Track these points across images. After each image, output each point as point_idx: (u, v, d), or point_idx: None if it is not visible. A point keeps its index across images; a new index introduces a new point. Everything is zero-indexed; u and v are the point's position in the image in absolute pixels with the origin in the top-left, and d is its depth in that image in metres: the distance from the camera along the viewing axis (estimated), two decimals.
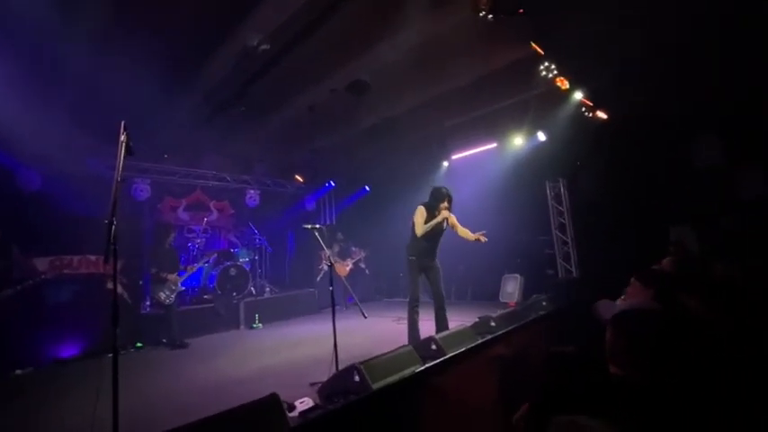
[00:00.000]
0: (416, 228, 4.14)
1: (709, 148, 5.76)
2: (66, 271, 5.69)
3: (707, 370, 1.36)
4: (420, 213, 4.18)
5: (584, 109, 5.91)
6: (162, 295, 5.48)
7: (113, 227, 2.04)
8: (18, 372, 4.56)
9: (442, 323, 4.23)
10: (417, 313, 4.19)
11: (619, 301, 2.84)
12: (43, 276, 5.05)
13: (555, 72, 5.03)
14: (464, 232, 4.40)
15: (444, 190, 4.28)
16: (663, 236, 5.80)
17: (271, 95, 5.39)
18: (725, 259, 3.94)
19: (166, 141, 6.86)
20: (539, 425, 0.95)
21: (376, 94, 5.48)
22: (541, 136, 6.86)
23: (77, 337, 5.14)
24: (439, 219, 4.13)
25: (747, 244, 4.93)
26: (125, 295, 5.50)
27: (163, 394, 3.64)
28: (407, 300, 4.29)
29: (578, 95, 5.66)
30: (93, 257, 5.83)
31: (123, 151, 2.20)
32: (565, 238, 7.12)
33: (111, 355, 2.13)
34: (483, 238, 4.26)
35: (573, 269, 6.99)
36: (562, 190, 7.20)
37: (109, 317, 2.14)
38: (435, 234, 4.27)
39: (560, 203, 7.21)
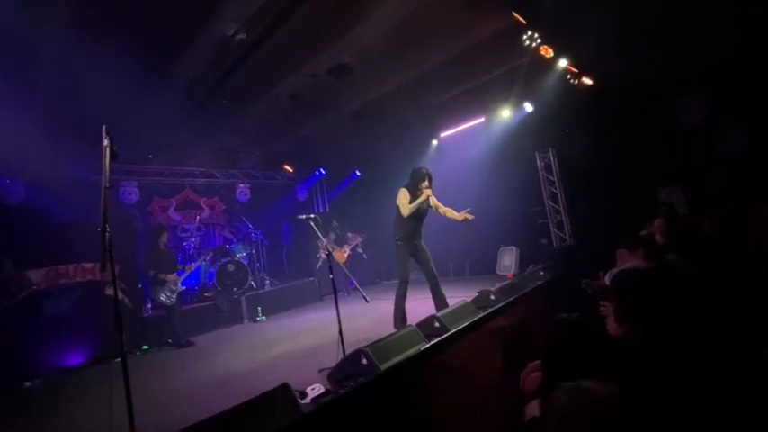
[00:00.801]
0: (402, 209, 4.18)
1: (693, 106, 5.79)
2: (62, 281, 5.64)
3: (698, 325, 1.41)
4: (403, 195, 4.23)
5: (569, 76, 5.88)
6: (163, 296, 5.48)
7: (107, 234, 2.02)
8: (27, 384, 4.57)
9: (440, 300, 4.29)
10: (404, 295, 4.25)
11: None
12: (35, 288, 5.00)
13: (538, 41, 4.97)
14: (449, 212, 4.44)
15: (424, 170, 4.30)
16: (653, 197, 5.90)
17: (251, 85, 5.27)
18: (712, 216, 4.03)
19: (150, 141, 6.72)
20: (546, 388, 0.98)
21: (358, 76, 5.38)
22: (528, 107, 6.84)
23: (82, 345, 5.15)
24: (423, 197, 4.17)
25: (733, 199, 5.03)
26: (125, 300, 5.49)
27: (174, 393, 3.69)
28: (398, 283, 4.32)
29: (563, 63, 5.62)
30: (88, 265, 5.78)
31: (108, 156, 2.15)
32: (557, 207, 7.20)
33: (118, 359, 2.15)
34: (470, 216, 4.31)
35: (567, 237, 7.09)
36: (552, 159, 7.23)
37: (111, 322, 2.14)
38: (420, 215, 4.32)
39: (551, 173, 7.26)
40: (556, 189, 7.21)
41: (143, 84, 4.96)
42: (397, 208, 4.26)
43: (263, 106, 6.10)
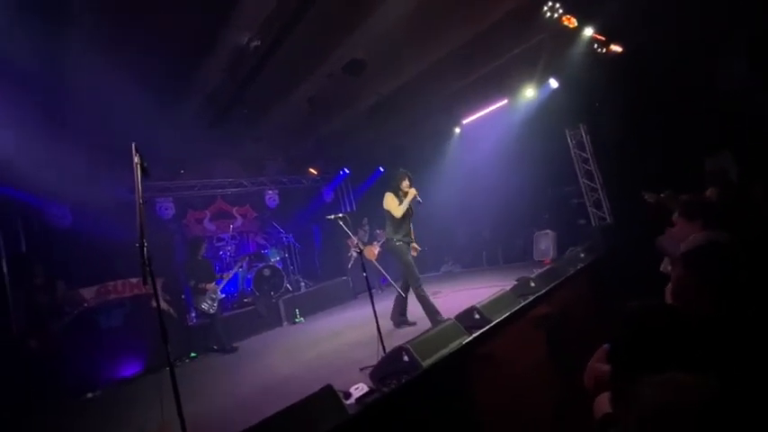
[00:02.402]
0: (394, 211, 4.37)
1: (735, 68, 5.29)
2: (112, 296, 5.96)
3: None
4: (391, 198, 4.42)
5: (596, 45, 5.53)
6: (204, 305, 5.67)
7: (145, 248, 2.07)
8: (89, 395, 4.86)
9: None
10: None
11: (666, 236, 2.69)
12: (86, 305, 5.29)
13: (560, 11, 4.70)
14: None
15: (402, 171, 4.51)
16: (697, 167, 5.47)
17: (270, 91, 5.33)
18: (764, 181, 3.69)
19: (179, 157, 6.97)
20: (619, 381, 0.89)
21: (374, 70, 5.31)
22: (554, 83, 6.52)
23: (136, 356, 5.42)
24: (410, 197, 4.36)
25: None
26: (170, 311, 5.72)
27: (223, 397, 3.79)
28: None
29: (588, 32, 5.29)
30: (134, 280, 6.06)
31: (139, 172, 2.21)
32: (593, 184, 6.85)
33: (168, 368, 2.21)
34: (415, 250, 4.61)
35: (606, 215, 6.74)
36: (584, 135, 6.87)
37: (158, 333, 2.21)
38: (409, 214, 4.51)
39: (583, 150, 6.90)
40: (590, 166, 6.85)
41: (167, 102, 5.14)
42: (388, 212, 4.43)
43: (282, 111, 6.16)
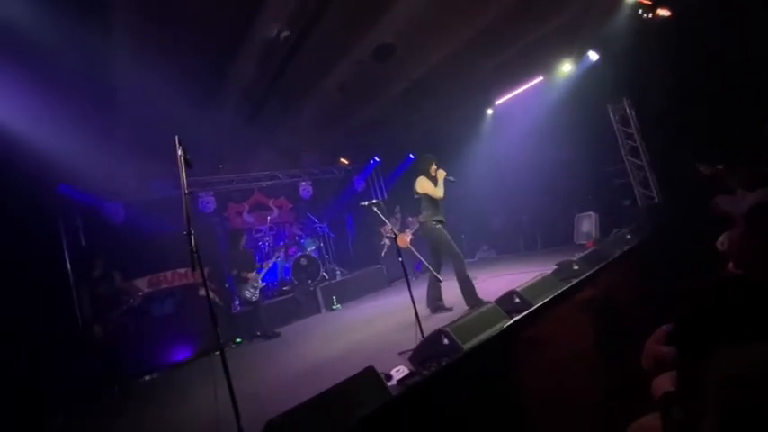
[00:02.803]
0: (433, 193, 4.40)
1: None
2: (163, 286, 6.36)
3: None
4: (426, 182, 4.45)
5: (641, 10, 5.13)
6: (247, 293, 5.93)
7: (192, 236, 2.17)
8: (147, 377, 5.27)
9: (467, 284, 4.31)
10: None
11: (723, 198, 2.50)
12: (140, 294, 5.66)
13: None
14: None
15: (427, 155, 4.58)
16: (754, 137, 4.98)
17: (301, 82, 5.38)
18: None
19: (218, 152, 7.23)
20: (686, 358, 0.83)
21: (403, 54, 5.23)
22: (593, 55, 6.14)
23: (187, 341, 5.78)
24: (442, 178, 4.40)
25: None
26: (216, 298, 6.04)
27: (268, 381, 3.96)
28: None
29: None
30: (182, 270, 6.43)
31: (183, 164, 2.31)
32: (639, 162, 6.43)
33: (218, 352, 2.34)
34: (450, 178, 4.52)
35: (654, 194, 6.33)
36: (627, 110, 6.43)
37: (207, 319, 2.33)
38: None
39: (628, 125, 6.48)
40: (635, 142, 6.43)
41: (205, 99, 5.34)
42: (425, 196, 4.43)
43: (314, 101, 6.21)
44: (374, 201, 3.88)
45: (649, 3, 5.08)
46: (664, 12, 5.21)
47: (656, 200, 6.24)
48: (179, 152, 2.30)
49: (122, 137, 5.66)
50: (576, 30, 5.46)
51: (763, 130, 5.09)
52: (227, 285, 6.50)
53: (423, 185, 4.44)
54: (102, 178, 6.00)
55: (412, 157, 9.77)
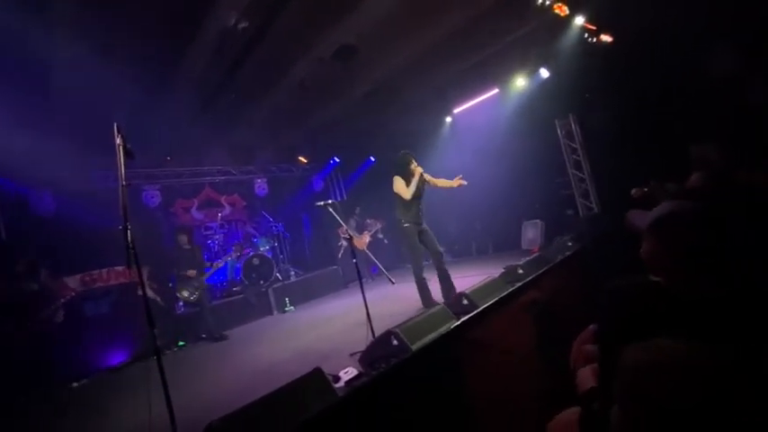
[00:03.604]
0: (403, 194, 4.32)
1: (721, 57, 5.37)
2: (98, 284, 5.88)
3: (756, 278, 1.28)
4: (399, 181, 4.37)
5: (587, 35, 5.54)
6: (186, 293, 5.61)
7: (129, 231, 2.03)
8: (75, 384, 4.80)
9: (446, 279, 4.38)
10: (424, 276, 4.34)
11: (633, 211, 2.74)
12: (73, 294, 5.20)
13: None
14: (443, 182, 4.60)
15: (407, 153, 4.49)
16: (684, 155, 5.55)
17: (259, 76, 5.22)
18: (747, 167, 3.77)
19: (166, 143, 6.82)
20: (606, 356, 0.90)
21: (364, 56, 5.25)
22: (544, 72, 6.53)
23: (123, 345, 5.37)
24: (417, 177, 4.34)
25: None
26: (158, 299, 5.67)
27: (212, 385, 3.78)
28: (411, 266, 4.43)
29: (579, 21, 5.29)
30: (119, 268, 5.99)
31: (122, 154, 2.15)
32: (581, 175, 6.92)
33: (156, 356, 2.19)
34: (463, 182, 4.51)
35: (593, 205, 6.83)
36: (573, 126, 6.90)
37: (144, 321, 2.18)
38: (419, 195, 4.45)
39: (573, 140, 6.95)
40: (579, 156, 6.91)
41: (154, 87, 5.02)
42: (397, 195, 4.38)
43: (272, 97, 6.06)
44: (329, 201, 3.82)
45: (594, 29, 5.49)
46: (606, 37, 5.67)
47: (596, 210, 6.73)
48: (117, 141, 2.14)
49: (59, 123, 5.17)
50: (530, 47, 5.78)
51: (690, 151, 5.70)
52: (170, 285, 6.12)
53: (396, 185, 4.40)
54: (30, 166, 5.43)
55: (372, 159, 9.82)
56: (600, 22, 5.50)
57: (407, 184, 4.35)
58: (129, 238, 2.02)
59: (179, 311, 6.25)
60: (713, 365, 0.57)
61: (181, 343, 5.71)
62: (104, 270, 5.93)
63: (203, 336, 5.69)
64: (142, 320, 2.45)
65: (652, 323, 0.85)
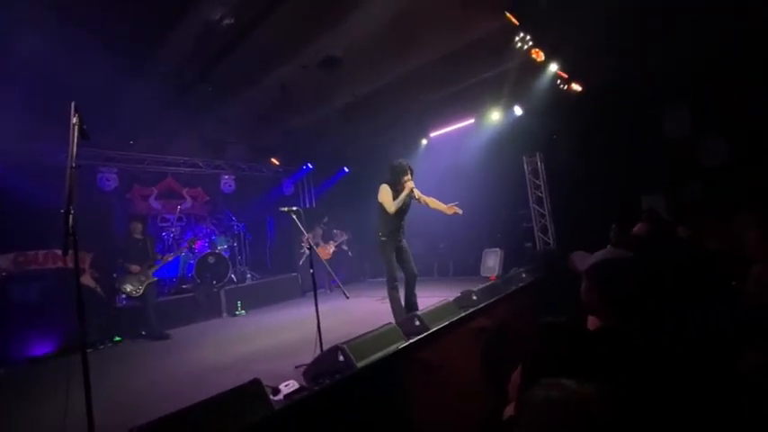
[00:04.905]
0: (388, 206, 4.03)
1: (677, 118, 5.93)
2: (32, 267, 5.42)
3: (677, 319, 1.40)
4: (386, 191, 4.08)
5: (559, 81, 5.91)
6: (128, 287, 5.29)
7: (71, 216, 1.91)
8: None
9: (411, 301, 4.21)
10: (398, 291, 4.17)
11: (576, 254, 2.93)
12: (3, 274, 4.77)
13: (530, 43, 4.98)
14: (435, 204, 4.33)
15: (405, 163, 4.17)
16: (636, 204, 5.99)
17: (240, 73, 5.14)
18: (689, 223, 4.11)
19: (132, 127, 6.52)
20: (527, 387, 0.95)
21: (349, 70, 5.31)
22: (518, 110, 6.86)
23: (50, 334, 4.94)
24: (406, 191, 4.06)
25: (711, 209, 5.15)
26: (98, 289, 5.30)
27: (142, 386, 3.56)
28: (386, 281, 4.21)
29: (554, 68, 5.64)
30: (60, 252, 5.57)
31: (76, 135, 2.04)
32: (542, 210, 7.25)
33: (89, 349, 2.04)
34: (458, 210, 4.23)
35: (551, 241, 7.15)
36: (539, 164, 7.27)
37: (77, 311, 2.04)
38: (403, 210, 4.18)
39: (537, 177, 7.30)
40: (541, 193, 7.26)
41: (125, 67, 4.80)
42: (380, 205, 4.12)
43: (251, 95, 5.96)
44: (294, 208, 3.77)
45: (566, 77, 5.88)
46: (577, 86, 6.07)
47: (552, 246, 7.05)
48: (73, 120, 2.02)
49: (15, 87, 4.80)
50: (506, 84, 6.08)
51: (641, 201, 6.17)
52: (114, 275, 5.76)
53: (382, 194, 4.08)
54: None
55: (346, 170, 9.83)
56: (572, 72, 5.90)
57: (395, 196, 4.06)
58: (69, 224, 1.89)
59: (120, 304, 5.86)
60: (612, 410, 0.62)
61: (117, 338, 5.35)
62: (42, 252, 5.50)
63: (143, 333, 5.37)
64: (74, 310, 2.29)
65: (566, 362, 0.91)
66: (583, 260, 1.39)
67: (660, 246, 2.90)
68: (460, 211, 4.24)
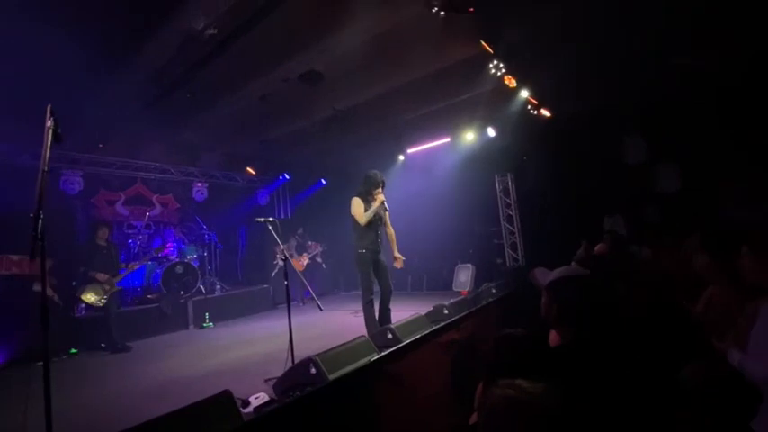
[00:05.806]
0: (359, 218, 4.09)
1: (635, 146, 6.41)
2: None
3: (628, 333, 1.54)
4: (357, 204, 4.14)
5: (529, 107, 6.25)
6: (92, 296, 5.05)
7: (40, 221, 1.86)
8: None
9: (385, 315, 4.23)
10: (373, 305, 4.19)
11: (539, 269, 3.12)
12: None
13: (503, 71, 5.26)
14: (390, 234, 4.44)
15: (378, 175, 4.23)
16: (599, 224, 6.35)
17: (219, 82, 5.13)
18: (650, 244, 4.42)
19: (101, 129, 6.31)
20: (485, 395, 1.02)
21: (330, 85, 5.41)
22: (491, 132, 7.17)
23: (0, 343, 4.63)
24: (377, 204, 4.11)
25: (667, 231, 5.56)
26: (55, 297, 5.01)
27: (102, 400, 3.39)
28: (362, 294, 4.22)
29: (524, 94, 5.97)
30: (15, 257, 5.27)
31: (50, 138, 2.00)
32: (512, 228, 7.53)
33: (41, 362, 1.96)
34: (399, 265, 4.44)
35: (519, 258, 7.41)
36: (510, 183, 7.59)
37: (36, 321, 1.95)
38: (376, 222, 4.22)
39: (508, 196, 7.61)
40: (512, 211, 7.55)
41: (99, 68, 4.68)
42: (353, 218, 4.17)
43: (229, 105, 5.93)
44: (271, 219, 3.76)
45: (536, 103, 6.24)
46: (546, 113, 6.44)
47: (520, 263, 7.31)
48: (48, 123, 1.99)
49: None
50: (480, 107, 6.38)
51: (604, 222, 6.58)
52: (74, 283, 5.48)
53: (353, 207, 4.12)
54: None
55: (323, 182, 9.85)
56: (541, 99, 6.26)
57: (366, 208, 4.10)
58: (39, 228, 1.84)
59: (78, 314, 5.57)
60: (560, 405, 0.70)
61: (73, 350, 5.06)
62: None
63: (102, 345, 5.11)
64: (28, 320, 2.19)
65: (519, 367, 1.01)
66: (544, 276, 1.50)
67: (616, 265, 3.12)
68: (400, 266, 4.44)
